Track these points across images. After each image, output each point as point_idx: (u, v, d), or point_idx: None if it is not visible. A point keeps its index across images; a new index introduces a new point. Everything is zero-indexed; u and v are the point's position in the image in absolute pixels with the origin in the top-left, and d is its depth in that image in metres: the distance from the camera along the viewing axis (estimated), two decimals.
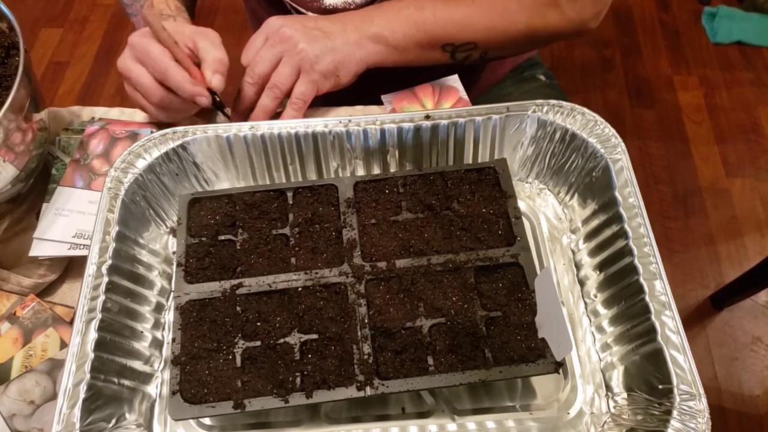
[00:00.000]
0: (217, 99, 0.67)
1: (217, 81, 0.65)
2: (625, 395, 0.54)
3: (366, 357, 0.52)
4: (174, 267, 0.57)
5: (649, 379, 0.52)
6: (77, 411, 0.49)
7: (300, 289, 0.56)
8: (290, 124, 0.63)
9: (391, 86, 0.73)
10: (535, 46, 0.74)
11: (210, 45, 0.66)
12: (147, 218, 0.63)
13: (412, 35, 0.69)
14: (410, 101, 0.72)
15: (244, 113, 0.70)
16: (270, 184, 0.67)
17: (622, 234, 0.57)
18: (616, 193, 0.58)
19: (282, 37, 0.67)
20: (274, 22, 0.68)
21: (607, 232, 0.59)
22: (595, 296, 0.59)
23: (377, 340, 0.53)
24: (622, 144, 0.60)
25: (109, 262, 0.56)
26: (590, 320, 0.59)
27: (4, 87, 0.61)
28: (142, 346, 0.57)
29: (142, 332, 0.57)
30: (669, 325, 0.51)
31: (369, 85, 0.73)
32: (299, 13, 0.78)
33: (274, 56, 0.67)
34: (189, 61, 0.65)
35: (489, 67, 0.91)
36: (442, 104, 0.72)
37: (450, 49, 0.72)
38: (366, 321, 0.53)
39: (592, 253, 0.61)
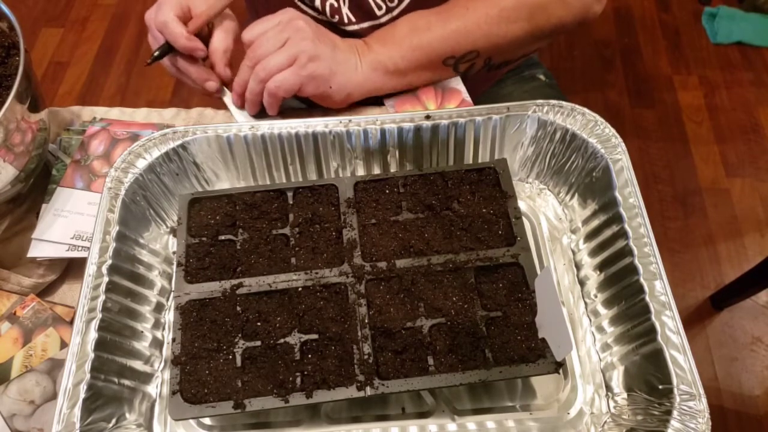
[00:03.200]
0: (156, 54, 0.68)
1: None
2: (625, 395, 0.54)
3: (366, 357, 0.52)
4: (174, 267, 0.57)
5: (649, 379, 0.52)
6: (77, 411, 0.49)
7: (300, 289, 0.56)
8: (291, 124, 0.64)
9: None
10: (542, 42, 0.73)
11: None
12: (147, 218, 0.63)
13: (409, 57, 0.68)
14: (413, 104, 0.72)
15: (240, 95, 0.69)
16: (270, 184, 0.67)
17: (622, 234, 0.57)
18: (617, 193, 0.58)
19: (294, 26, 0.65)
20: (291, 12, 0.67)
21: (608, 233, 0.59)
22: (596, 296, 0.59)
23: (377, 340, 0.53)
24: (623, 144, 0.60)
25: (110, 261, 0.56)
26: (590, 320, 0.59)
27: (4, 87, 0.61)
28: (143, 345, 0.57)
29: (142, 332, 0.57)
30: (669, 325, 0.51)
31: None
32: (299, 9, 0.78)
33: (278, 42, 0.65)
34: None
35: None
36: (445, 107, 0.72)
37: (452, 62, 0.70)
38: (366, 321, 0.53)
39: (593, 253, 0.61)
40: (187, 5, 0.67)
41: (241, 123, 0.64)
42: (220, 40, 0.68)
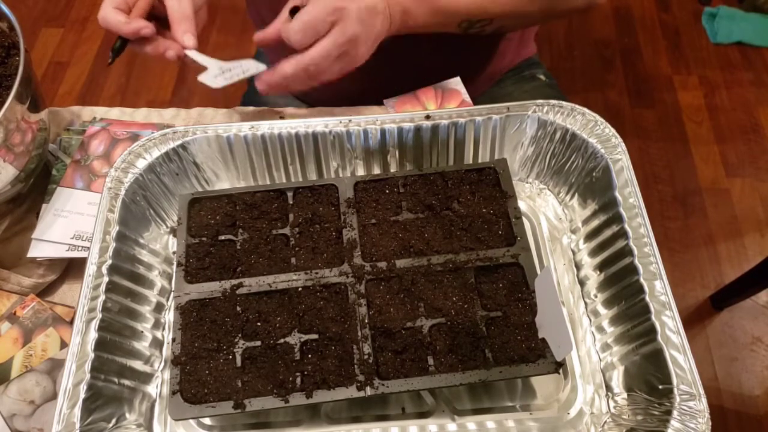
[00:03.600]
0: (113, 50, 0.67)
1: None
2: (625, 395, 0.54)
3: (366, 357, 0.52)
4: (174, 267, 0.57)
5: (649, 379, 0.52)
6: (77, 411, 0.49)
7: (300, 289, 0.56)
8: (291, 124, 0.64)
9: (392, 91, 0.73)
10: (548, 21, 0.76)
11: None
12: (147, 218, 0.63)
13: (431, 17, 0.68)
14: (413, 105, 0.72)
15: (275, 86, 0.64)
16: (270, 184, 0.67)
17: (622, 234, 0.57)
18: (617, 193, 0.58)
19: (351, 44, 0.61)
20: (353, 22, 0.60)
21: (608, 233, 0.59)
22: (596, 296, 0.59)
23: (377, 340, 0.53)
24: (623, 144, 0.60)
25: (110, 261, 0.56)
26: (590, 320, 0.59)
27: (4, 87, 0.61)
28: (143, 346, 0.57)
29: (142, 332, 0.57)
30: (669, 325, 0.51)
31: (371, 90, 0.73)
32: None
33: (336, 56, 0.61)
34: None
35: (488, 65, 0.91)
36: (445, 107, 0.72)
37: (465, 25, 0.72)
38: (366, 321, 0.53)
39: (593, 253, 0.61)
40: None
41: (241, 123, 0.64)
42: (174, 9, 0.66)
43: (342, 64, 0.63)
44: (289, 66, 0.62)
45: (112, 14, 0.65)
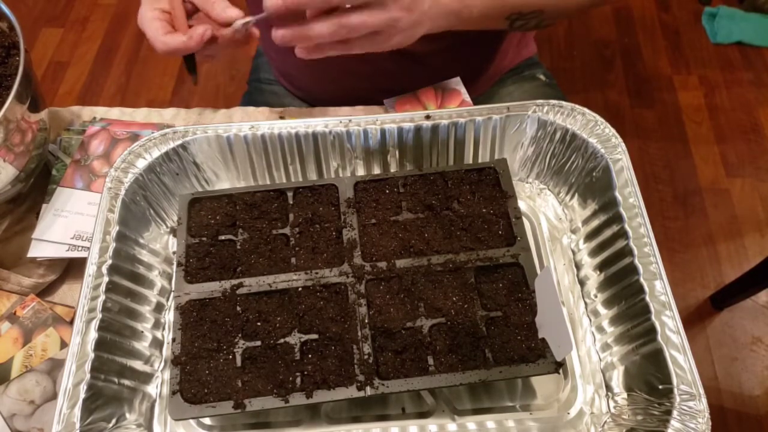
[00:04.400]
0: (190, 69, 0.65)
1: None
2: (625, 395, 0.54)
3: (366, 357, 0.52)
4: (174, 267, 0.57)
5: (649, 379, 0.52)
6: (77, 411, 0.49)
7: (300, 289, 0.56)
8: (291, 125, 0.64)
9: (392, 91, 0.73)
10: (590, 10, 0.74)
11: None
12: (147, 218, 0.63)
13: (485, 9, 0.66)
14: (413, 105, 0.72)
15: (298, 38, 0.58)
16: (270, 184, 0.67)
17: (622, 234, 0.57)
18: (617, 193, 0.58)
19: (389, 24, 0.58)
20: (397, 5, 0.57)
21: (608, 232, 0.59)
22: (596, 296, 0.59)
23: (377, 340, 0.53)
24: (623, 144, 0.60)
25: (110, 261, 0.56)
26: (590, 320, 0.59)
27: (4, 87, 0.61)
28: (143, 345, 0.57)
29: (142, 332, 0.57)
30: (669, 325, 0.51)
31: (371, 90, 0.73)
32: None
33: (366, 40, 0.58)
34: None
35: (489, 65, 0.91)
36: (446, 107, 0.72)
37: (515, 17, 0.70)
38: (366, 321, 0.53)
39: (593, 253, 0.61)
40: (166, 2, 0.64)
41: (241, 123, 0.64)
42: None
43: (372, 42, 0.59)
44: (322, 21, 0.57)
45: (170, 39, 0.62)
